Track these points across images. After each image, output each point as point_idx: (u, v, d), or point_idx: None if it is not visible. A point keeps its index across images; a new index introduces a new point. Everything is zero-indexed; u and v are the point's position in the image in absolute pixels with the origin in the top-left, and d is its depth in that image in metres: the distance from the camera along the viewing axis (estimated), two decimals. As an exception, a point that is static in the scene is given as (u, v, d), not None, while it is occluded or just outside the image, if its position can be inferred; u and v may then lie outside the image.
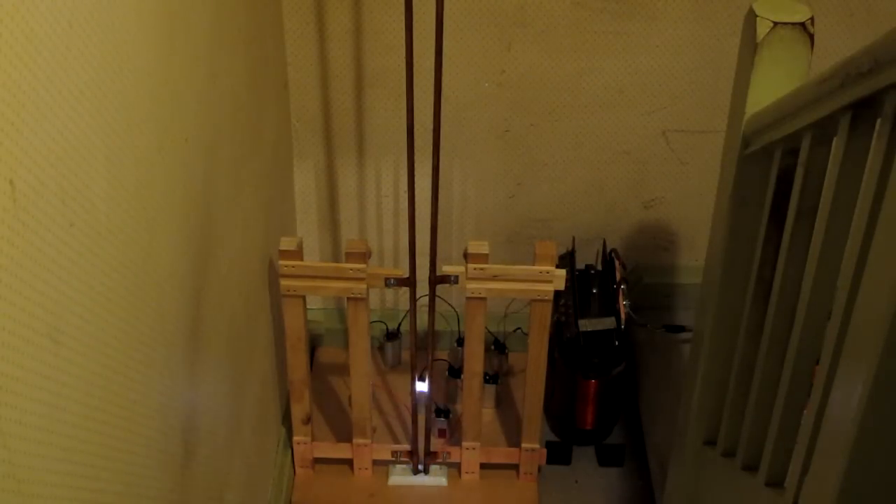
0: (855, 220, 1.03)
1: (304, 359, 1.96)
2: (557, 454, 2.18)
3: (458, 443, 2.10)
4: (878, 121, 0.99)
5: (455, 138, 2.11)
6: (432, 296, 1.89)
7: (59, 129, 0.86)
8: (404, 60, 1.60)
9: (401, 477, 2.12)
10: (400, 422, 2.20)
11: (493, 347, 2.28)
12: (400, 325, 2.31)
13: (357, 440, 2.07)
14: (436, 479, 2.12)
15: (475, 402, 2.01)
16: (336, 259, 2.30)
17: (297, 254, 1.84)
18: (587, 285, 2.13)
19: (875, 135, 1.00)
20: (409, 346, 2.01)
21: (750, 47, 1.32)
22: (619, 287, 2.09)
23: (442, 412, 2.15)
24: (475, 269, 1.83)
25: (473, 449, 2.08)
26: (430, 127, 1.70)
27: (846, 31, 1.99)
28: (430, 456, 2.10)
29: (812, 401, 1.12)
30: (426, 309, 1.92)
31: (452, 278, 1.85)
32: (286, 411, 2.11)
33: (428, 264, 1.85)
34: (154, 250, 1.17)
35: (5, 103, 0.75)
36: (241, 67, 1.65)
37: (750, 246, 1.39)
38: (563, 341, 2.08)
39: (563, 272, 1.84)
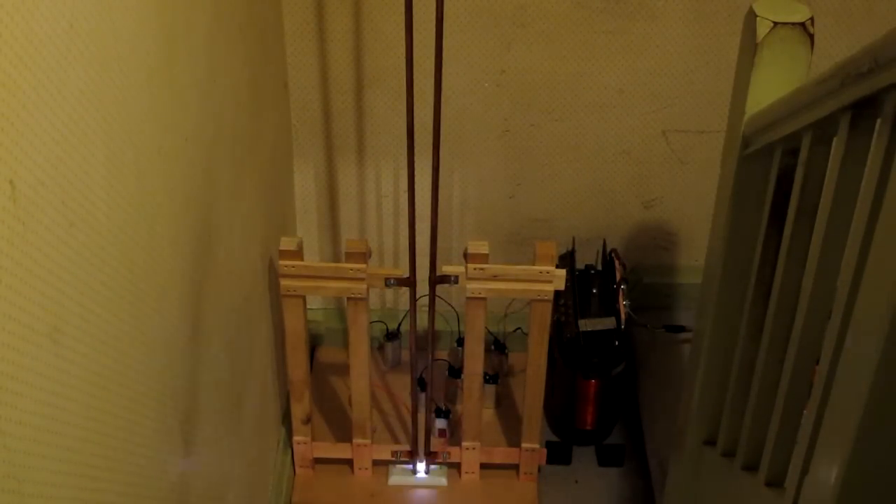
0: (855, 220, 1.03)
1: (304, 359, 1.96)
2: (557, 454, 2.18)
3: (458, 443, 2.10)
4: (878, 121, 0.99)
5: (455, 138, 2.11)
6: (432, 296, 1.89)
7: (59, 129, 0.86)
8: (404, 60, 1.60)
9: (401, 477, 2.12)
10: (400, 422, 2.20)
11: (493, 347, 2.28)
12: (400, 325, 2.31)
13: (357, 440, 2.07)
14: (436, 479, 2.12)
15: (475, 402, 2.01)
16: (336, 259, 2.30)
17: (297, 254, 1.84)
18: (587, 285, 2.13)
19: (875, 135, 1.00)
20: (409, 346, 2.01)
21: (750, 47, 1.32)
22: (619, 287, 2.09)
23: (442, 412, 2.15)
24: (475, 269, 1.83)
25: (473, 449, 2.08)
26: (430, 127, 1.70)
27: (846, 32, 1.99)
28: (430, 456, 2.10)
29: (812, 401, 1.12)
30: (426, 309, 1.92)
31: (452, 278, 1.85)
32: (286, 411, 2.11)
33: (428, 264, 1.85)
34: (154, 250, 1.17)
35: (5, 103, 0.75)
36: (241, 67, 1.65)
37: (750, 246, 1.39)
38: (563, 341, 2.08)
39: (563, 272, 1.84)
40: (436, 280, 1.86)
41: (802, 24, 1.29)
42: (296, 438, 2.07)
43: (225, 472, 1.61)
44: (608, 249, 2.17)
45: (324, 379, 2.30)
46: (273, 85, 1.96)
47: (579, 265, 2.17)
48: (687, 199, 2.23)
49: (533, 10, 1.98)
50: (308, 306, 1.93)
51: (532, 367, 1.96)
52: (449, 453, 2.10)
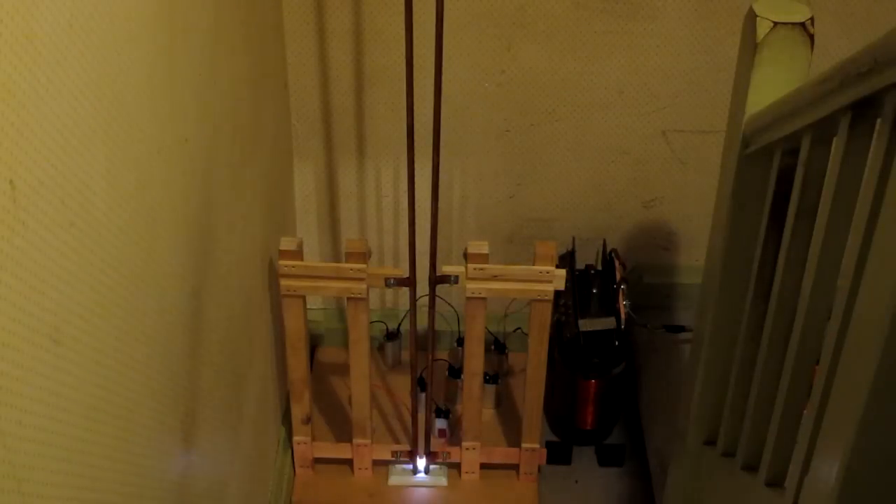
0: (855, 220, 1.03)
1: (304, 359, 1.96)
2: (557, 454, 2.18)
3: (458, 443, 2.10)
4: (878, 121, 0.99)
5: (455, 138, 2.10)
6: (432, 296, 1.89)
7: (59, 129, 0.86)
8: (404, 60, 1.60)
9: (401, 477, 2.12)
10: (400, 422, 2.20)
11: (493, 347, 2.27)
12: (400, 325, 2.31)
13: (357, 440, 2.07)
14: (436, 479, 2.12)
15: (475, 402, 2.01)
16: (336, 259, 2.30)
17: (297, 254, 1.84)
18: (587, 285, 2.13)
19: (875, 135, 1.00)
20: (409, 346, 2.01)
21: (750, 47, 1.32)
22: (619, 287, 2.09)
23: (442, 412, 2.15)
24: (475, 269, 1.83)
25: (473, 449, 2.08)
26: (430, 127, 1.70)
27: (846, 32, 1.99)
28: (430, 456, 2.10)
29: (812, 401, 1.12)
30: (426, 309, 1.92)
31: (452, 278, 1.85)
32: (286, 411, 2.11)
33: (428, 264, 1.85)
34: (154, 250, 1.17)
35: (5, 103, 0.75)
36: (242, 67, 1.65)
37: (750, 246, 1.39)
38: (563, 341, 2.08)
39: (563, 272, 1.84)
40: (436, 280, 1.87)
41: (802, 24, 1.29)
42: (296, 438, 2.07)
43: (225, 472, 1.61)
44: (608, 249, 2.17)
45: (324, 379, 2.30)
46: (273, 85, 1.95)
47: (579, 265, 2.17)
48: (687, 199, 2.23)
49: (533, 10, 1.98)
50: (308, 306, 1.93)
51: (532, 367, 1.96)
52: (449, 453, 2.10)
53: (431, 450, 2.09)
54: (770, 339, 1.33)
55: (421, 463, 2.10)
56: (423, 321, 1.96)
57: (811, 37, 1.30)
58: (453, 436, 2.15)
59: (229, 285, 1.59)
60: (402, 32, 1.57)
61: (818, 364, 1.14)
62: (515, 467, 2.12)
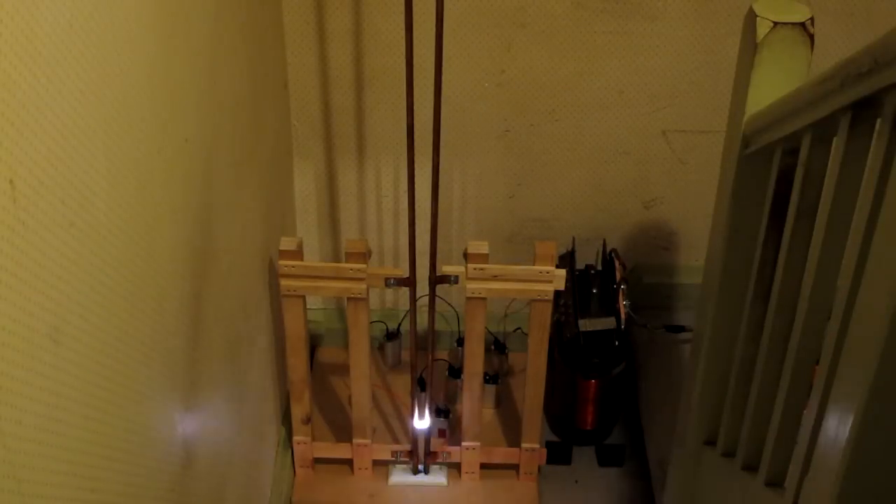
0: (855, 220, 1.03)
1: (304, 359, 1.96)
2: (557, 454, 2.18)
3: (458, 443, 2.10)
4: (878, 121, 0.99)
5: (455, 138, 2.11)
6: (432, 296, 1.89)
7: (59, 129, 0.86)
8: (404, 60, 1.60)
9: (401, 477, 2.12)
10: (400, 422, 2.20)
11: (493, 347, 2.28)
12: (400, 325, 2.31)
13: (357, 440, 2.07)
14: (436, 479, 2.12)
15: (475, 402, 2.01)
16: (336, 259, 2.30)
17: (297, 254, 1.84)
18: (587, 285, 2.13)
19: (875, 135, 1.00)
20: (409, 346, 2.01)
21: (750, 47, 1.32)
22: (619, 287, 2.09)
23: (442, 412, 2.15)
24: (475, 269, 1.83)
25: (473, 449, 2.08)
26: (430, 127, 1.70)
27: (846, 32, 1.99)
28: (430, 456, 2.10)
29: (812, 401, 1.12)
30: (426, 309, 1.92)
31: (452, 278, 1.85)
32: (286, 411, 2.11)
33: (428, 264, 1.85)
34: (154, 250, 1.17)
35: (5, 103, 0.75)
36: (241, 67, 1.65)
37: (750, 246, 1.39)
38: (563, 341, 2.08)
39: (563, 272, 1.84)
40: (436, 280, 1.87)
41: (802, 24, 1.29)
42: (296, 438, 2.07)
43: (225, 473, 1.61)
44: (608, 249, 2.17)
45: (324, 379, 2.30)
46: (273, 85, 1.96)
47: (579, 265, 2.17)
48: (687, 199, 2.23)
49: (533, 10, 1.98)
50: (308, 306, 1.93)
51: (532, 367, 1.96)
52: (449, 453, 2.10)
53: (431, 450, 2.09)
54: (770, 339, 1.33)
55: (420, 424, 2.08)
56: (423, 321, 1.96)
57: (811, 37, 1.30)
58: (453, 436, 2.15)
59: (229, 285, 1.59)
60: (402, 32, 1.57)
61: (818, 364, 1.14)
62: (515, 467, 2.12)
